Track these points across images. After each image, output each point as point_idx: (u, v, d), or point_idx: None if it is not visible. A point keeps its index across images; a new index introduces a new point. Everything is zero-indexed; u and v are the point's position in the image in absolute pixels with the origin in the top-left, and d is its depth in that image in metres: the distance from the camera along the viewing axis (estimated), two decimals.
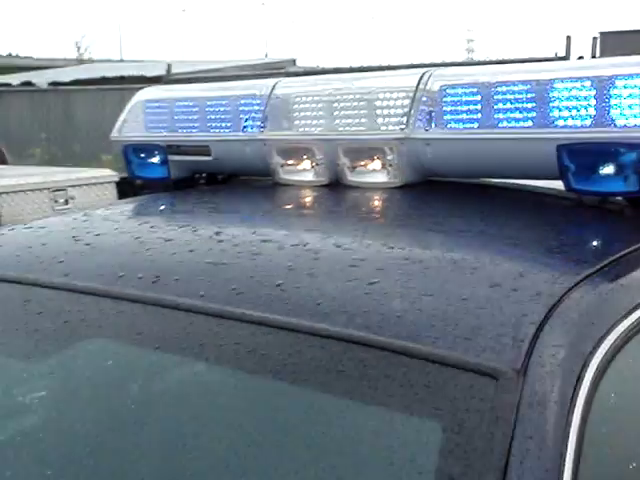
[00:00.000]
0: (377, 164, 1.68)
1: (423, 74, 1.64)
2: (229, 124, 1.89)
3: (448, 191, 1.72)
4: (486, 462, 0.86)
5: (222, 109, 1.94)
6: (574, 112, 1.43)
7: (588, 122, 1.41)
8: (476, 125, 1.55)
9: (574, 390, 0.93)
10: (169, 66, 12.15)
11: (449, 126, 1.58)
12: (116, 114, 2.13)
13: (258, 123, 1.84)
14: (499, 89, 1.53)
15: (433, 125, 1.60)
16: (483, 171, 1.64)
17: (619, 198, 1.48)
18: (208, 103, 1.98)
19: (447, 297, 1.08)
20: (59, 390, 1.33)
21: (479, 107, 1.55)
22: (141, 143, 2.01)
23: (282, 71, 13.40)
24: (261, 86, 1.88)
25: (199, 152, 1.94)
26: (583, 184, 1.40)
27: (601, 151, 1.38)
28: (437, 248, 1.34)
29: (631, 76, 1.38)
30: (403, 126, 1.63)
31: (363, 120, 1.72)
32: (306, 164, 1.78)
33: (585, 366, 0.96)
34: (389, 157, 1.65)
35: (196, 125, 1.96)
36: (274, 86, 1.85)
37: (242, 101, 1.89)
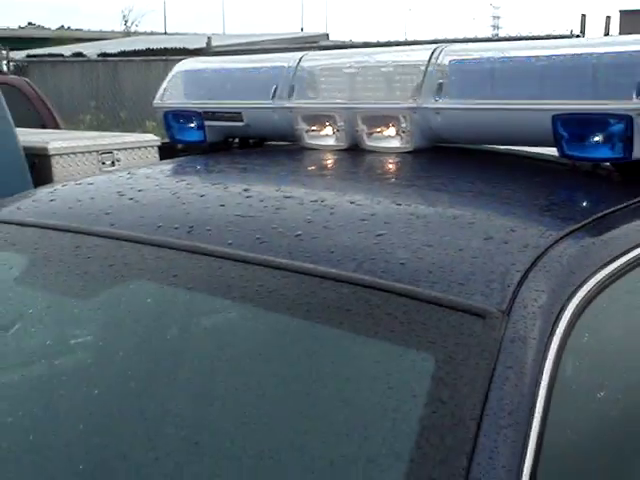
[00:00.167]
0: (392, 131, 1.77)
1: (435, 49, 1.72)
2: (259, 93, 1.97)
3: (454, 156, 1.80)
4: (471, 387, 0.95)
5: (253, 80, 2.03)
6: (568, 86, 1.52)
7: (580, 95, 1.49)
8: (481, 96, 1.64)
9: (552, 329, 1.01)
10: (209, 39, 12.15)
11: (457, 97, 1.67)
12: (159, 83, 2.19)
13: (285, 92, 1.92)
14: (502, 64, 1.63)
15: (443, 96, 1.68)
16: (486, 138, 1.73)
17: (607, 164, 1.56)
18: (241, 74, 2.09)
19: (445, 248, 1.17)
20: (106, 324, 1.46)
21: (484, 80, 1.65)
22: (180, 109, 2.10)
23: (314, 45, 13.28)
24: (289, 59, 1.96)
25: (232, 118, 2.01)
26: (575, 151, 1.48)
27: (591, 121, 1.46)
28: (439, 206, 1.41)
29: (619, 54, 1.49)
30: (416, 96, 1.72)
31: (380, 91, 1.81)
32: (328, 130, 1.87)
33: (563, 309, 1.04)
34: (402, 124, 1.73)
35: (230, 94, 2.04)
36: (300, 59, 1.94)
37: (271, 72, 1.98)
